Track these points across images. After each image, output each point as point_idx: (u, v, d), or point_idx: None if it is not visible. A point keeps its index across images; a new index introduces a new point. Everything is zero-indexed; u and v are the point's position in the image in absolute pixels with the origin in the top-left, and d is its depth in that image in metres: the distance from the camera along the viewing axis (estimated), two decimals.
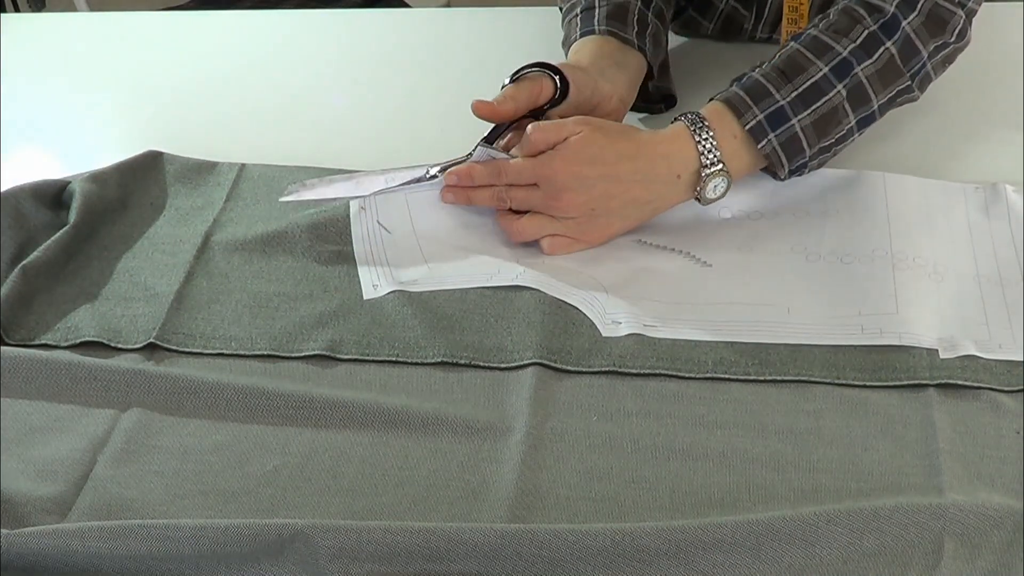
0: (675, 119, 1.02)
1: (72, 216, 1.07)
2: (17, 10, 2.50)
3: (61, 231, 1.06)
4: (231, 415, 0.89)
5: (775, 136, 1.00)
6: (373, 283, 1.00)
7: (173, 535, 0.77)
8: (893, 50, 1.02)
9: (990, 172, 1.08)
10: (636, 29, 1.11)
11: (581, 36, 1.11)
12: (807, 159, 1.02)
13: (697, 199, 1.02)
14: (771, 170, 1.04)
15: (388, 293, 0.98)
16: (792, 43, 1.03)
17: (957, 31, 1.05)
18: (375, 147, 1.16)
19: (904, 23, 1.02)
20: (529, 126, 1.01)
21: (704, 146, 0.99)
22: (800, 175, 1.05)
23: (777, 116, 1.00)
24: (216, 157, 1.16)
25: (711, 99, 1.04)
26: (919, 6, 1.03)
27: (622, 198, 1.00)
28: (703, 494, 0.81)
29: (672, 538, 0.75)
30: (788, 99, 1.00)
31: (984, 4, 1.10)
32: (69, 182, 1.11)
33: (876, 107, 1.03)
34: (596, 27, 1.11)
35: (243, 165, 1.14)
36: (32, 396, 0.91)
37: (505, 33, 1.35)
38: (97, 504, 0.82)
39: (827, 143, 1.02)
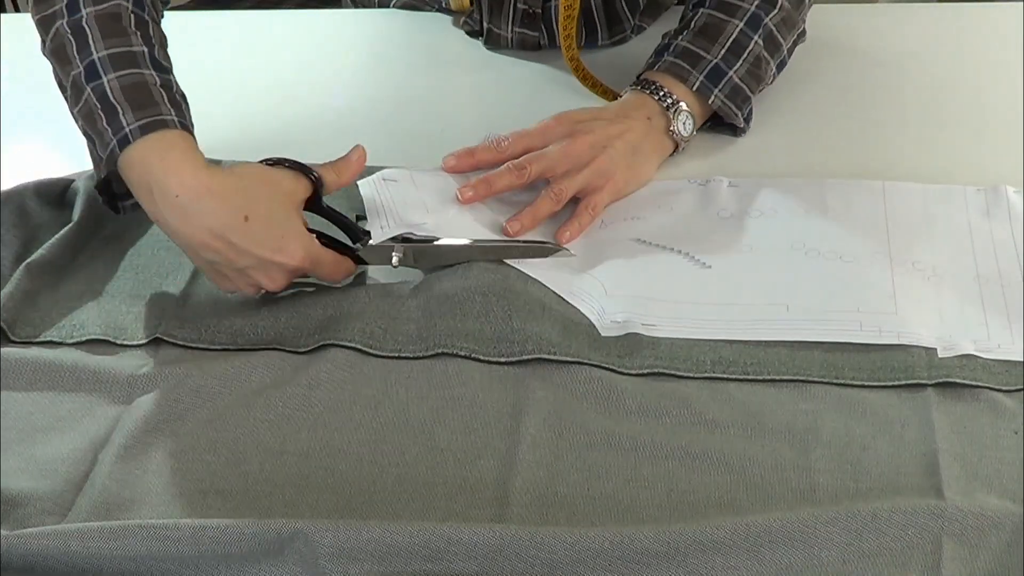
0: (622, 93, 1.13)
1: (76, 214, 1.07)
2: (17, 10, 2.50)
3: (65, 229, 1.06)
4: (230, 414, 0.89)
5: (719, 91, 1.10)
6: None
7: (173, 535, 0.77)
8: (787, 2, 1.13)
9: (990, 172, 1.08)
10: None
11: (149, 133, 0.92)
12: (751, 104, 1.13)
13: (675, 144, 1.11)
14: (728, 122, 1.13)
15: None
16: (701, 9, 1.12)
17: None
18: (375, 146, 1.15)
19: None
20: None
21: (658, 94, 1.10)
22: (749, 124, 1.14)
23: (715, 73, 1.10)
24: (215, 157, 1.16)
25: (642, 72, 1.13)
26: None
27: (624, 137, 1.07)
28: (701, 493, 0.81)
29: (671, 540, 0.75)
30: (719, 57, 1.10)
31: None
32: (73, 180, 1.11)
33: (785, 51, 1.15)
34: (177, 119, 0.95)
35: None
36: (35, 396, 0.92)
37: None
38: (96, 503, 0.83)
39: (761, 88, 1.13)
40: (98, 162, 0.96)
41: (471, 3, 1.28)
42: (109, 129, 0.92)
